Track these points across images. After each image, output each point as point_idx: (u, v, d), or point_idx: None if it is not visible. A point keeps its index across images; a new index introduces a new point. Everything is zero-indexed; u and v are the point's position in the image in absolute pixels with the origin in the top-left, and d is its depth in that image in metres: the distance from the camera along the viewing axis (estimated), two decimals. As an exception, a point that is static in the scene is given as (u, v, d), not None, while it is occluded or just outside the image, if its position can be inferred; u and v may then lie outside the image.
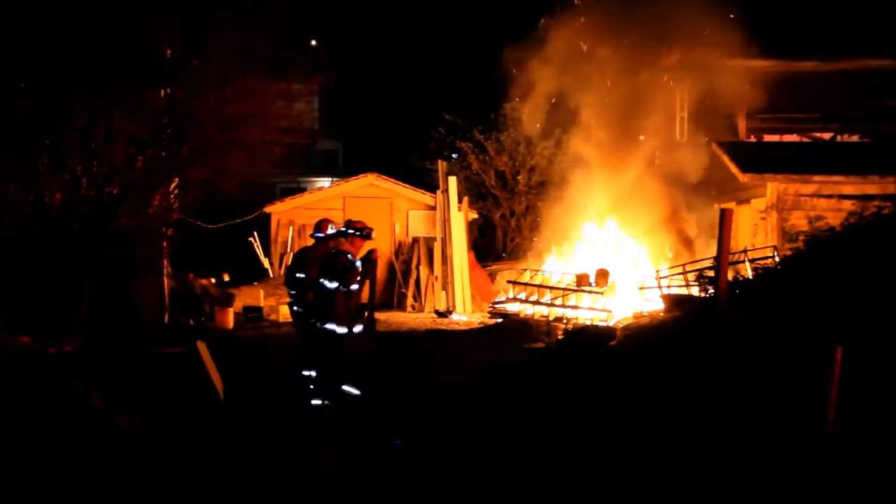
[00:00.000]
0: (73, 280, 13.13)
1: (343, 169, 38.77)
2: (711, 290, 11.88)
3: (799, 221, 16.93)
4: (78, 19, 13.16)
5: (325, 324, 10.85)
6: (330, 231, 11.74)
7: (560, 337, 15.14)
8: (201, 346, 11.37)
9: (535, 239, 27.19)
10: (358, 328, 11.03)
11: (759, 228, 20.21)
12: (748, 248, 18.12)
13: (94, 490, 7.81)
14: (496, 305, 21.33)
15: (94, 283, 13.40)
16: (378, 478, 8.47)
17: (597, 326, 15.89)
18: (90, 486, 7.86)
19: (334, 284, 10.77)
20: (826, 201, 19.14)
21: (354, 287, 10.91)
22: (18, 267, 12.84)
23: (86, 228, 13.52)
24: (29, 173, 13.12)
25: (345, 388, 10.87)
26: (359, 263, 11.00)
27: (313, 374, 11.42)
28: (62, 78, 13.00)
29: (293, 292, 11.93)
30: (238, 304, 20.69)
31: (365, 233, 11.15)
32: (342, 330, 10.83)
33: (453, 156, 30.69)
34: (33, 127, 13.01)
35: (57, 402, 9.09)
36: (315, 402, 11.07)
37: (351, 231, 11.10)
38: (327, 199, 25.72)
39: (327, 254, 11.19)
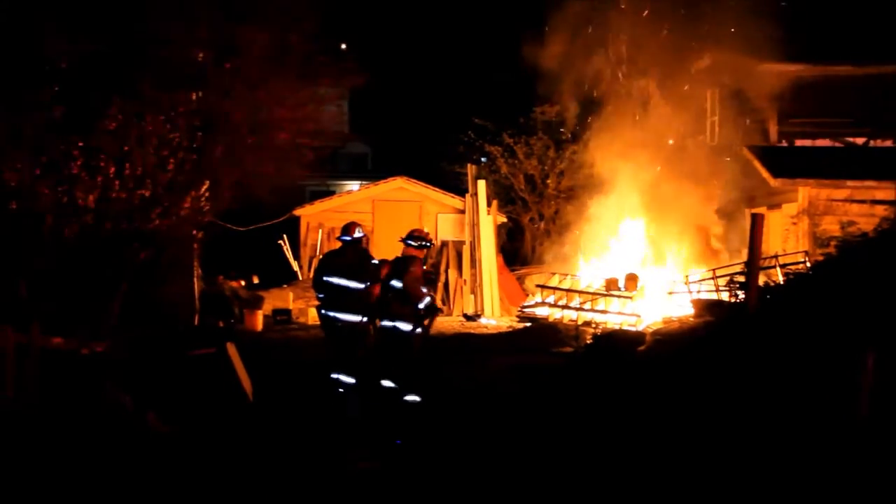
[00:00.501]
0: (105, 282, 13.23)
1: (372, 172, 38.86)
2: (742, 296, 11.82)
3: (831, 227, 16.84)
4: (111, 23, 13.28)
5: (395, 323, 11.03)
6: (357, 234, 11.87)
7: (589, 342, 15.11)
8: (231, 348, 11.42)
9: (564, 242, 27.11)
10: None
11: (791, 234, 20.08)
12: (779, 254, 18.01)
13: (126, 488, 7.87)
14: (525, 309, 21.29)
15: (126, 285, 13.50)
16: (408, 479, 8.50)
17: (626, 331, 15.85)
18: (122, 484, 7.93)
19: (426, 288, 11.14)
20: (858, 207, 18.98)
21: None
22: (51, 268, 12.95)
23: (118, 230, 13.62)
24: (63, 175, 13.23)
25: (408, 398, 10.99)
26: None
27: (343, 377, 11.55)
28: (95, 81, 13.12)
29: (321, 295, 11.99)
30: (267, 307, 20.78)
31: (428, 242, 11.56)
32: (412, 328, 11.06)
33: (482, 159, 30.68)
34: (67, 130, 13.12)
35: (89, 403, 9.17)
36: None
37: (426, 243, 11.42)
38: (356, 202, 25.81)
39: (397, 259, 11.41)
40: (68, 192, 13.34)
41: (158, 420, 9.55)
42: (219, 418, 10.24)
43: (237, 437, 9.75)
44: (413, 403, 10.99)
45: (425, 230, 12.51)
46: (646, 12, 22.28)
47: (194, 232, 15.79)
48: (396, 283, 11.08)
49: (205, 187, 15.36)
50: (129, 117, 13.51)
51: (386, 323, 11.17)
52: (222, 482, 8.32)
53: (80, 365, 10.47)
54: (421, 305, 10.96)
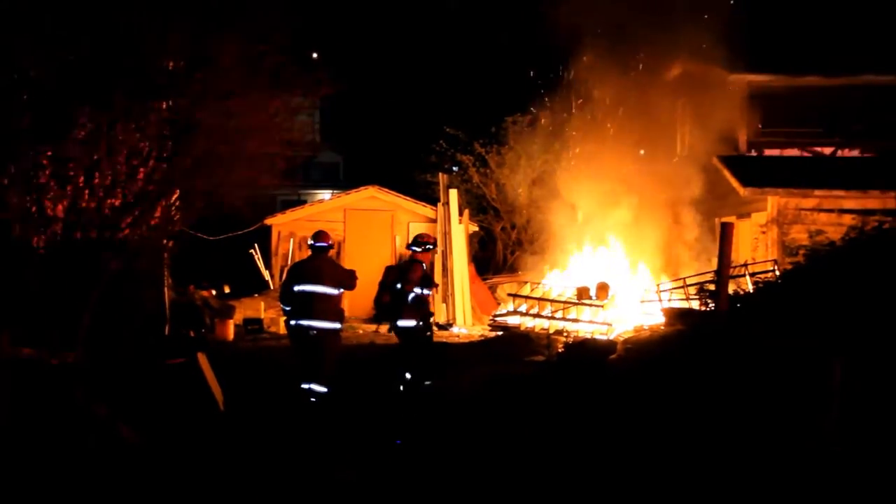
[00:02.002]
0: (75, 291, 13.13)
1: (344, 181, 38.87)
2: (712, 304, 11.90)
3: (799, 235, 16.94)
4: (81, 31, 13.20)
5: (400, 321, 12.65)
6: (328, 242, 12.10)
7: (560, 350, 15.14)
8: (202, 358, 11.39)
9: (534, 252, 27.19)
10: None
11: (760, 242, 20.22)
12: (749, 262, 18.14)
13: (98, 500, 7.82)
14: (496, 318, 21.32)
15: (96, 295, 13.40)
16: (386, 489, 8.50)
17: (597, 340, 15.90)
18: (94, 495, 7.87)
19: (426, 290, 12.79)
20: (827, 216, 19.16)
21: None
22: (20, 278, 12.84)
23: (88, 240, 13.52)
24: (31, 185, 13.13)
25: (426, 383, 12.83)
26: None
27: (315, 387, 11.61)
28: (65, 90, 13.03)
29: (288, 308, 12.02)
30: (238, 316, 20.69)
31: (430, 244, 13.20)
32: (415, 324, 12.66)
33: (454, 169, 30.75)
34: (35, 138, 13.02)
35: (60, 413, 9.11)
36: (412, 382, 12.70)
37: (429, 245, 13.09)
38: (328, 211, 25.74)
39: (402, 263, 13.42)
40: (37, 202, 13.24)
41: (129, 430, 9.49)
42: (190, 428, 10.20)
43: (208, 447, 9.70)
44: (427, 388, 12.59)
45: (427, 234, 13.64)
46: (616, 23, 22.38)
47: (165, 241, 15.69)
48: (399, 286, 12.57)
49: (175, 196, 15.27)
50: (99, 126, 13.42)
51: (397, 322, 12.65)
52: (194, 493, 8.28)
53: (50, 375, 10.38)
54: (408, 298, 12.48)
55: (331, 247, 12.24)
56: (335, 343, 11.95)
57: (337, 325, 11.89)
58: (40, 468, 8.10)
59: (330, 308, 11.81)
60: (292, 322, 11.93)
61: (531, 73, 23.11)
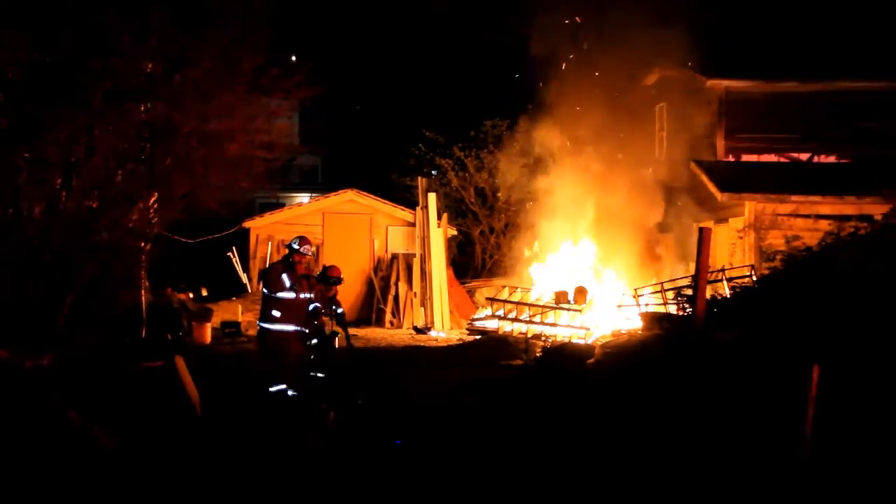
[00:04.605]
0: (51, 293, 13.06)
1: (323, 185, 38.76)
2: (689, 309, 11.94)
3: (776, 241, 17.01)
4: (60, 33, 13.14)
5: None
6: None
7: (538, 354, 15.15)
8: (179, 361, 11.34)
9: (513, 255, 27.20)
10: None
11: (737, 247, 20.30)
12: (726, 267, 18.22)
13: (71, 505, 7.78)
14: (475, 322, 21.33)
15: (72, 297, 13.34)
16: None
17: (575, 344, 15.91)
18: (67, 500, 7.82)
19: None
20: (803, 221, 19.24)
21: None
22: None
23: (65, 242, 13.45)
24: (8, 186, 13.05)
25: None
26: None
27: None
28: (44, 91, 12.96)
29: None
30: (216, 319, 20.60)
31: None
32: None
33: (433, 172, 30.73)
34: (13, 140, 12.95)
35: (34, 417, 9.04)
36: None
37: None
38: (307, 214, 25.68)
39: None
40: (13, 204, 13.17)
41: (105, 434, 9.43)
42: (167, 432, 10.15)
43: (185, 451, 9.65)
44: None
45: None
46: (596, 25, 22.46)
47: (142, 244, 15.62)
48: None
49: (153, 199, 15.23)
50: (77, 128, 13.37)
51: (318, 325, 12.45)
52: (168, 496, 8.24)
53: (25, 378, 10.31)
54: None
55: (293, 249, 11.90)
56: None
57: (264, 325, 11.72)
58: (12, 472, 8.04)
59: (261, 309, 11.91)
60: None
61: (514, 76, 23.14)
